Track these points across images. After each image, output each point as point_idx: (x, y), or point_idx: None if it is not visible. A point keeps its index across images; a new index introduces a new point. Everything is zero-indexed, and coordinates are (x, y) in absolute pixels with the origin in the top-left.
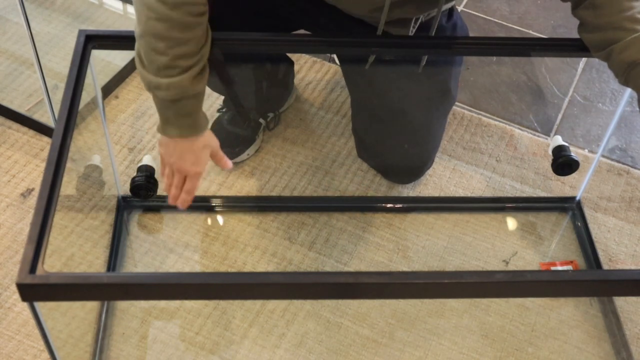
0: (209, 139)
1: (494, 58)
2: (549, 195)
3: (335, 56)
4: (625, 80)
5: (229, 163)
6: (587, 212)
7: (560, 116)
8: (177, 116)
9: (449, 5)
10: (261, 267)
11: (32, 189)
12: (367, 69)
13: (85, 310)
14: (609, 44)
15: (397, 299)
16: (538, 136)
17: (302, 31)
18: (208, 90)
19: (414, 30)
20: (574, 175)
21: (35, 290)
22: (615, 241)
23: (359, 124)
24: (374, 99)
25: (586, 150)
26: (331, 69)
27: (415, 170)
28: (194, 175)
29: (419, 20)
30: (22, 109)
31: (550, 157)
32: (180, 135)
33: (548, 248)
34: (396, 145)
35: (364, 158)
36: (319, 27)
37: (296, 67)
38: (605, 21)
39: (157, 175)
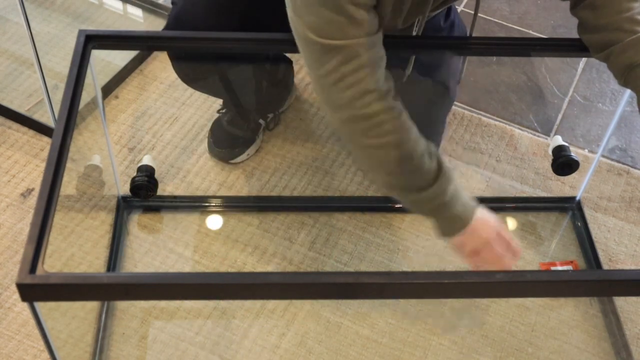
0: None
1: (494, 58)
2: (549, 195)
3: None
4: (624, 82)
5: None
6: (587, 212)
7: (560, 116)
8: (459, 204)
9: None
10: (261, 267)
11: (32, 189)
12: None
13: (85, 310)
14: (608, 45)
15: (397, 299)
16: (538, 136)
17: None
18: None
19: (417, 30)
20: (574, 175)
21: (35, 290)
22: (615, 241)
23: None
24: None
25: (586, 150)
26: None
27: None
28: (506, 234)
29: (423, 22)
30: (22, 109)
31: (550, 157)
32: (473, 213)
33: (548, 248)
34: None
35: None
36: None
37: (296, 67)
38: (605, 22)
39: (157, 175)
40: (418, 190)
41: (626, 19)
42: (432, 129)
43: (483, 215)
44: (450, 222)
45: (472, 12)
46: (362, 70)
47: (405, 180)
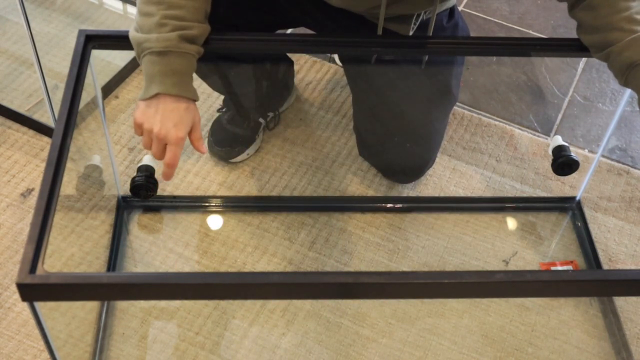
0: (194, 108)
1: (494, 58)
2: (549, 195)
3: (335, 56)
4: (625, 82)
5: (204, 148)
6: (587, 212)
7: (560, 116)
8: (163, 73)
9: (447, 5)
10: (261, 267)
11: (32, 189)
12: (369, 68)
13: (85, 310)
14: (607, 45)
15: (397, 299)
16: (538, 136)
17: (302, 30)
18: (208, 90)
19: (414, 27)
20: (574, 175)
21: (35, 290)
22: (615, 241)
23: (360, 123)
24: (376, 98)
25: (586, 150)
26: (331, 69)
27: (416, 169)
28: (176, 142)
29: (420, 18)
30: (22, 109)
31: (550, 157)
32: (165, 91)
33: (548, 248)
34: (397, 144)
35: (365, 157)
36: (317, 24)
37: (296, 67)
38: (603, 22)
39: (157, 175)
40: (142, 31)
41: (624, 19)
42: (433, 128)
43: (179, 113)
44: (147, 81)
45: (472, 12)
46: None
47: (142, 20)
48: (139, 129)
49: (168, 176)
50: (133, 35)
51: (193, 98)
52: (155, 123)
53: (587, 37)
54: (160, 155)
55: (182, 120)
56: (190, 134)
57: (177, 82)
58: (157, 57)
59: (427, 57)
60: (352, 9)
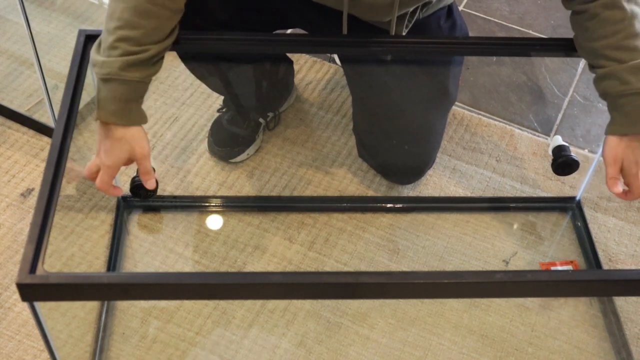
0: (135, 139)
1: (494, 58)
2: (549, 195)
3: (335, 56)
4: (603, 98)
5: (151, 183)
6: (587, 212)
7: (560, 116)
8: (106, 99)
9: (442, 4)
10: (261, 267)
11: (32, 189)
12: (368, 68)
13: (85, 310)
14: (593, 65)
15: (397, 299)
16: (538, 136)
17: (300, 30)
18: (208, 90)
19: (409, 26)
20: (574, 175)
21: (35, 290)
22: (615, 241)
23: (359, 124)
24: (375, 99)
25: (586, 150)
26: (331, 69)
27: (415, 170)
28: (104, 169)
29: (414, 18)
30: (22, 109)
31: (550, 157)
32: (104, 118)
33: (548, 248)
34: (397, 145)
35: (364, 158)
36: (312, 26)
37: (296, 67)
38: (591, 46)
39: (157, 175)
40: (96, 49)
41: (609, 46)
42: (432, 129)
43: (134, 138)
44: (97, 102)
45: (472, 12)
46: None
47: (103, 36)
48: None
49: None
50: (92, 50)
51: (135, 124)
52: (101, 150)
53: (579, 49)
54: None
55: (112, 149)
56: (138, 165)
57: (116, 110)
58: (101, 84)
59: (426, 57)
60: (365, 17)
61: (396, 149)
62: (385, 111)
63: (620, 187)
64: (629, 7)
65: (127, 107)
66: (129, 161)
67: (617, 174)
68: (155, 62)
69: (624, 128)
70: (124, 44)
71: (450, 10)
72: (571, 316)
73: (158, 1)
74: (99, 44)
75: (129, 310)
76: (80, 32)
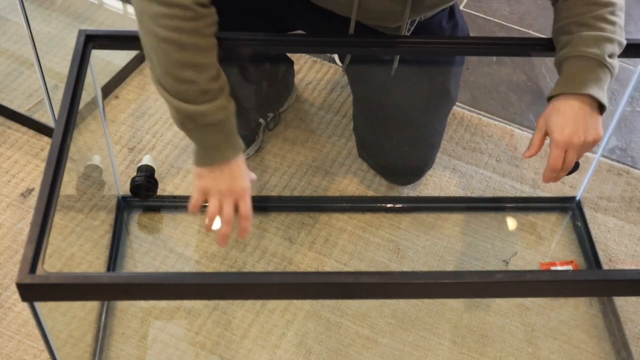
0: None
1: (494, 58)
2: (549, 195)
3: (335, 56)
4: (559, 72)
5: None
6: (587, 212)
7: None
8: (226, 138)
9: (428, 14)
10: (261, 267)
11: (32, 189)
12: (369, 69)
13: (85, 310)
14: (559, 48)
15: (397, 299)
16: None
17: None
18: None
19: (412, 29)
20: (574, 175)
21: (35, 290)
22: (615, 241)
23: (360, 124)
24: (376, 99)
25: None
26: (331, 69)
27: (415, 171)
28: (245, 194)
29: (415, 21)
30: (22, 109)
31: None
32: (235, 154)
33: (548, 248)
34: (397, 145)
35: (364, 158)
36: (311, 28)
37: (296, 67)
38: (561, 25)
39: (157, 175)
40: (188, 101)
41: (575, 22)
42: (433, 129)
43: (243, 170)
44: (204, 149)
45: (472, 12)
46: None
47: (182, 87)
48: (202, 196)
49: (245, 232)
50: (176, 104)
51: (242, 148)
52: (225, 185)
53: (554, 39)
54: (231, 214)
55: (247, 172)
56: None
57: (235, 145)
58: (213, 127)
59: (397, 58)
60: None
61: (396, 149)
62: (385, 111)
63: (533, 152)
64: None
65: (238, 138)
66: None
67: (541, 140)
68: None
69: (562, 88)
70: (213, 83)
71: (452, 11)
72: (571, 316)
73: (207, 32)
74: (175, 93)
75: (129, 310)
76: (80, 32)
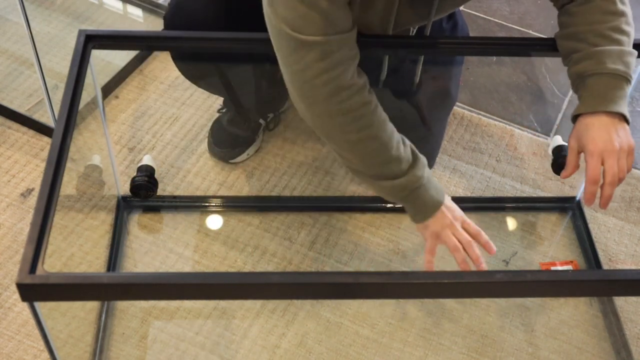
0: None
1: (494, 58)
2: (549, 195)
3: None
4: (575, 89)
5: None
6: (587, 212)
7: (560, 116)
8: (429, 188)
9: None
10: (261, 267)
11: (32, 189)
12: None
13: (85, 310)
14: (572, 53)
15: (397, 299)
16: (538, 136)
17: None
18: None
19: (414, 31)
20: (574, 175)
21: (35, 290)
22: (615, 241)
23: None
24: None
25: None
26: None
27: None
28: (463, 216)
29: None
30: (22, 109)
31: (550, 157)
32: (443, 194)
33: (548, 248)
34: None
35: None
36: None
37: None
38: (575, 31)
39: (157, 175)
40: (394, 177)
41: (594, 31)
42: (433, 130)
43: (449, 201)
44: (424, 206)
45: (472, 12)
46: (338, 67)
47: (382, 169)
48: (436, 239)
49: (488, 247)
50: (389, 185)
51: (441, 188)
52: (453, 217)
53: (560, 42)
54: (468, 236)
55: (454, 205)
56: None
57: (437, 186)
58: (425, 185)
59: (427, 59)
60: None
61: None
62: (385, 112)
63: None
64: (620, 5)
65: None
66: None
67: (576, 160)
68: None
69: (591, 106)
70: (402, 148)
71: (452, 12)
72: (571, 316)
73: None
74: (388, 175)
75: (129, 310)
76: (80, 32)
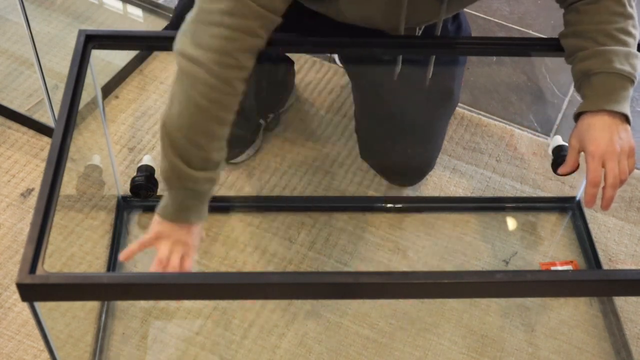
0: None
1: (494, 58)
2: (549, 195)
3: (335, 56)
4: (578, 87)
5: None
6: (587, 212)
7: (560, 116)
8: (200, 207)
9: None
10: (261, 267)
11: (32, 189)
12: (371, 69)
13: (85, 310)
14: (577, 51)
15: (397, 299)
16: (538, 136)
17: None
18: None
19: (419, 32)
20: (574, 175)
21: (35, 290)
22: (615, 241)
23: (362, 125)
24: (379, 101)
25: None
26: (331, 69)
27: (417, 172)
28: (192, 251)
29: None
30: (22, 109)
31: (550, 157)
32: (199, 221)
33: (548, 248)
34: (399, 147)
35: (366, 159)
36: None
37: (296, 67)
38: (582, 29)
39: (157, 175)
40: (188, 164)
41: (601, 31)
42: (436, 130)
43: (197, 231)
44: (179, 210)
45: (472, 12)
46: (237, 32)
47: (191, 150)
48: (156, 239)
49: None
50: (175, 162)
51: (206, 218)
52: (181, 236)
53: (564, 40)
54: (178, 263)
55: (197, 235)
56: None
57: (203, 213)
58: (195, 194)
59: (432, 64)
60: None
61: (399, 150)
62: (388, 113)
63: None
64: (629, 7)
65: (206, 208)
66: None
67: (576, 158)
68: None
69: (594, 104)
70: (216, 154)
71: (456, 14)
72: (571, 316)
73: (234, 106)
74: (180, 154)
75: (129, 310)
76: (80, 32)
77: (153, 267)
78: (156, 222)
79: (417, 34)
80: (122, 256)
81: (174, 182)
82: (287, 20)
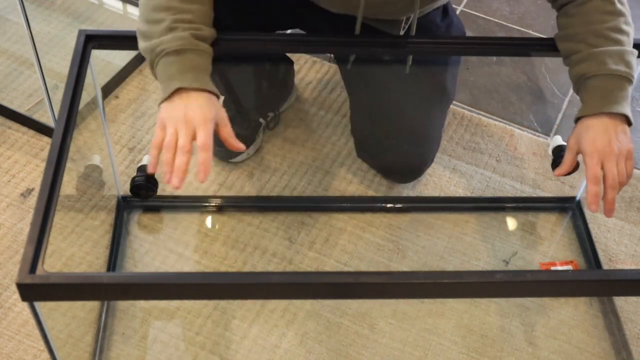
0: (217, 101)
1: (494, 58)
2: (549, 195)
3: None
4: (576, 90)
5: (239, 144)
6: (587, 212)
7: (560, 116)
8: (182, 70)
9: (437, 4)
10: (261, 267)
11: (32, 189)
12: (364, 68)
13: (85, 310)
14: (572, 54)
15: (397, 299)
16: (538, 136)
17: (300, 31)
18: None
19: (405, 28)
20: (574, 175)
21: (35, 290)
22: (615, 241)
23: (358, 124)
24: (372, 99)
25: None
26: (331, 69)
27: (415, 169)
28: (205, 122)
29: (410, 19)
30: (22, 109)
31: (550, 157)
32: (187, 85)
33: (548, 248)
34: (395, 144)
35: (363, 158)
36: (310, 27)
37: (296, 67)
38: (574, 32)
39: (157, 175)
40: (152, 38)
41: (593, 32)
42: (431, 127)
43: (204, 98)
44: (167, 82)
45: (472, 12)
46: None
47: (151, 28)
48: (162, 130)
49: (204, 166)
50: (143, 46)
51: (215, 93)
52: (180, 114)
53: (559, 43)
54: (189, 144)
55: (207, 105)
56: (220, 130)
57: (197, 77)
58: (174, 57)
59: (410, 57)
60: (330, 9)
61: (395, 148)
62: (382, 111)
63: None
64: (619, 5)
65: (205, 76)
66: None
67: (573, 159)
68: (210, 43)
69: (594, 108)
70: (182, 24)
71: (445, 10)
72: (571, 316)
73: None
74: (146, 36)
75: (129, 310)
76: (80, 32)
77: (166, 159)
78: (159, 114)
79: (402, 27)
80: (150, 168)
81: (153, 62)
82: None
